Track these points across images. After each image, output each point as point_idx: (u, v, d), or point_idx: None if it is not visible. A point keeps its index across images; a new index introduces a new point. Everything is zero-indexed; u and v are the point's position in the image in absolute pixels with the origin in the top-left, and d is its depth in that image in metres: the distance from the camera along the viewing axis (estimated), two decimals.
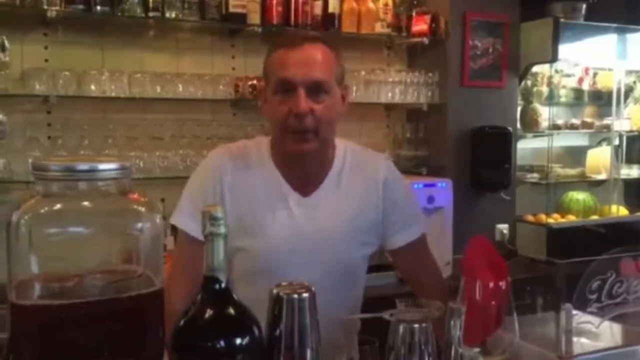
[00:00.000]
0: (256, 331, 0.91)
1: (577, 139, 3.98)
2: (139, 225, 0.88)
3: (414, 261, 1.61)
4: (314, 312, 0.96)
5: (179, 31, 2.93)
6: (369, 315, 1.12)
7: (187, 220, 1.43)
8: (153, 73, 2.75)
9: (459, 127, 3.30)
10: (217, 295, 0.89)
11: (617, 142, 3.88)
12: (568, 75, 3.93)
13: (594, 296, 1.05)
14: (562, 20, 3.27)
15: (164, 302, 0.94)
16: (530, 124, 3.54)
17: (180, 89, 2.76)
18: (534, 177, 3.56)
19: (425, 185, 3.02)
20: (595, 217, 3.65)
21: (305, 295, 0.96)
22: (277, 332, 0.94)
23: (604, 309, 1.06)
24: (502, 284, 0.92)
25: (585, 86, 3.93)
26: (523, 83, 3.51)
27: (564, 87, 3.93)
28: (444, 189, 3.06)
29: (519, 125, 3.51)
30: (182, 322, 0.88)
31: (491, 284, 0.92)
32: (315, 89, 1.36)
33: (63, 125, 2.69)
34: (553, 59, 3.27)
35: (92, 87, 2.58)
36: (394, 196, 1.53)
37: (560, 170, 3.71)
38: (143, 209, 0.90)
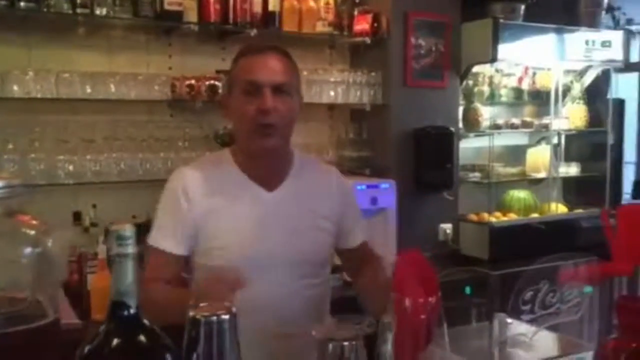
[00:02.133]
0: (169, 357, 0.84)
1: (517, 138, 4.03)
2: (28, 250, 0.79)
3: (363, 260, 1.74)
4: (234, 334, 0.90)
5: (111, 29, 2.81)
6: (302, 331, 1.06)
7: (163, 240, 1.57)
8: (83, 72, 2.61)
9: (402, 128, 3.28)
10: (126, 321, 0.82)
11: (555, 141, 3.95)
12: (508, 75, 3.97)
13: (527, 307, 1.02)
14: (501, 20, 3.29)
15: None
16: (472, 123, 3.56)
17: (113, 89, 2.64)
18: (475, 176, 3.58)
19: (369, 187, 3.00)
20: (535, 215, 3.70)
21: (225, 317, 0.89)
22: (194, 356, 0.87)
23: (538, 319, 1.04)
24: (433, 299, 0.88)
25: (525, 86, 3.97)
26: (464, 83, 3.52)
27: (504, 87, 3.97)
28: (387, 190, 3.04)
29: (461, 125, 3.52)
30: (85, 351, 0.81)
31: (421, 300, 0.87)
32: (279, 90, 1.53)
33: None
34: (493, 59, 3.29)
35: (15, 87, 2.43)
36: (347, 198, 1.75)
37: (501, 169, 3.74)
38: (32, 232, 0.81)
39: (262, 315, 1.47)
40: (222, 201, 1.58)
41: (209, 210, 1.56)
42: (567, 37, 3.63)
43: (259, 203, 1.59)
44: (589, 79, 3.98)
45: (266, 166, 1.62)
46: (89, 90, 2.60)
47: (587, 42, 3.64)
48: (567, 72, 3.96)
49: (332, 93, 3.17)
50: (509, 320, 1.13)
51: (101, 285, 2.39)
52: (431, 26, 3.30)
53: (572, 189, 4.10)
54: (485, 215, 3.53)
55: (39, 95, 2.51)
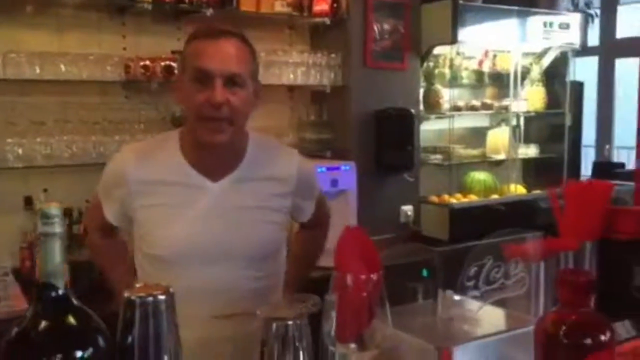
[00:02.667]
0: (101, 341, 0.81)
1: (478, 120, 4.06)
2: None
3: (315, 221, 1.74)
4: (172, 315, 0.87)
5: (61, 7, 2.71)
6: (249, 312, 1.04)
7: (107, 211, 1.57)
8: (31, 52, 2.52)
9: (363, 109, 3.26)
10: (54, 303, 0.78)
11: (515, 122, 3.99)
12: (469, 58, 3.99)
13: (471, 283, 1.01)
14: (461, 2, 3.29)
15: None
16: (433, 105, 3.57)
17: (63, 69, 2.55)
18: (437, 158, 3.59)
19: (329, 169, 2.98)
20: (495, 196, 3.74)
21: (162, 297, 0.86)
22: (129, 339, 0.84)
23: (483, 295, 1.03)
24: (374, 275, 0.86)
25: (486, 68, 3.99)
26: (425, 65, 3.52)
27: (465, 69, 3.98)
28: (347, 172, 3.02)
29: (422, 107, 3.53)
30: (12, 335, 0.77)
31: (363, 276, 0.86)
32: (231, 81, 1.41)
33: None
34: (453, 40, 3.29)
35: None
36: (303, 185, 1.62)
37: (462, 151, 3.77)
38: None
39: (200, 308, 1.42)
40: (162, 191, 1.49)
41: (148, 200, 1.49)
42: (526, 19, 3.65)
43: (200, 194, 1.49)
44: (547, 61, 4.02)
45: (213, 158, 1.50)
46: (37, 71, 2.50)
47: (545, 24, 3.67)
48: (527, 54, 3.99)
49: (291, 75, 3.12)
50: (457, 297, 1.13)
51: None
52: (391, 7, 3.28)
53: (531, 171, 4.15)
54: (446, 197, 3.55)
55: None
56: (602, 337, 0.85)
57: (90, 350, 0.79)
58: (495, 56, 4.03)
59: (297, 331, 0.99)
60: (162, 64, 2.77)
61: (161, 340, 0.86)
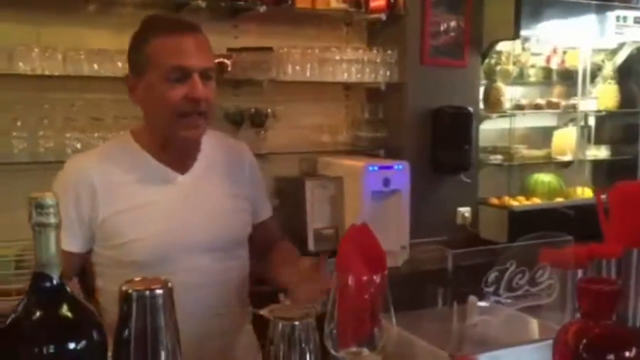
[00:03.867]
0: (95, 333, 0.80)
1: (545, 120, 3.88)
2: None
3: (269, 236, 1.70)
4: (170, 309, 0.86)
5: (121, 6, 2.79)
6: (252, 311, 1.02)
7: (66, 241, 1.39)
8: (89, 50, 2.60)
9: (419, 108, 3.18)
10: (49, 293, 0.79)
11: (584, 122, 3.79)
12: (536, 54, 3.82)
13: (491, 289, 0.95)
14: None
15: None
16: (493, 104, 3.44)
17: (120, 66, 2.62)
18: (497, 158, 3.46)
19: (381, 168, 2.92)
20: (561, 199, 3.57)
21: (159, 291, 0.85)
22: (126, 332, 0.83)
23: (503, 302, 0.96)
24: (377, 277, 0.82)
25: (554, 65, 3.82)
26: (486, 61, 3.39)
27: (532, 66, 3.82)
28: (400, 172, 2.95)
29: (481, 106, 3.40)
30: (6, 324, 0.78)
31: (365, 278, 0.82)
32: (206, 75, 1.40)
33: None
34: (515, 36, 3.16)
35: (21, 64, 2.43)
36: (256, 177, 1.67)
37: (525, 152, 3.62)
38: None
39: (188, 303, 1.40)
40: (131, 191, 1.44)
41: (117, 203, 1.42)
42: (597, 13, 3.46)
43: (172, 188, 1.47)
44: (621, 57, 3.79)
45: (182, 152, 1.49)
46: (96, 68, 2.58)
47: (618, 19, 3.46)
48: (599, 50, 3.78)
49: (345, 73, 3.08)
50: (482, 303, 1.06)
51: None
52: (451, 1, 3.18)
53: (602, 173, 3.94)
54: (507, 199, 3.42)
55: (46, 72, 2.51)
56: (627, 354, 0.77)
57: (83, 343, 0.79)
58: (564, 53, 3.85)
59: (303, 332, 0.96)
60: (215, 61, 2.79)
61: (159, 334, 0.85)
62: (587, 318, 0.80)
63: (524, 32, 3.17)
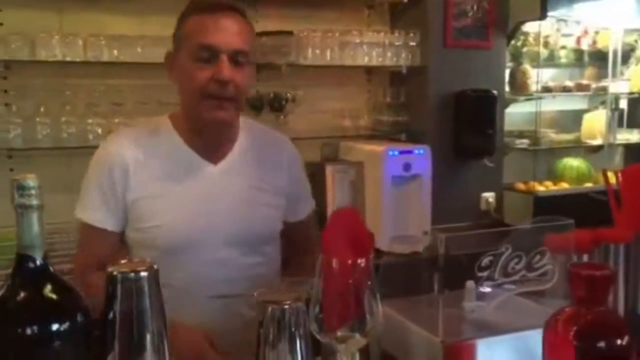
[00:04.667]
0: (79, 315, 0.81)
1: (576, 103, 3.78)
2: None
3: (304, 236, 1.62)
4: (156, 291, 0.85)
5: None
6: (241, 294, 1.02)
7: (87, 211, 1.44)
8: (110, 36, 2.63)
9: (441, 91, 3.13)
10: (33, 275, 0.79)
11: (615, 105, 3.67)
12: (567, 35, 3.72)
13: (484, 273, 0.92)
14: None
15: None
16: (520, 86, 3.36)
17: (140, 51, 2.64)
18: (523, 143, 3.39)
19: (402, 152, 2.88)
20: (590, 184, 3.47)
21: (144, 273, 0.84)
22: (111, 314, 0.84)
23: (499, 287, 0.94)
24: (362, 261, 0.80)
25: (585, 46, 3.71)
26: (512, 43, 3.31)
27: (563, 47, 3.72)
28: (421, 156, 2.91)
29: (507, 89, 3.33)
30: None
31: (349, 261, 0.80)
32: (237, 58, 1.36)
33: (19, 92, 2.60)
34: (542, 16, 3.06)
35: (43, 51, 2.47)
36: (296, 173, 1.60)
37: (553, 136, 3.53)
38: None
39: (205, 292, 1.40)
40: (162, 176, 1.42)
41: (147, 187, 1.42)
42: None
43: (202, 177, 1.45)
44: None
45: (213, 138, 1.46)
46: (116, 54, 2.60)
47: None
48: (631, 31, 3.65)
49: (366, 57, 3.04)
50: (484, 288, 1.03)
51: None
52: None
53: (634, 157, 3.82)
54: (534, 184, 3.35)
55: (67, 59, 2.54)
56: (619, 341, 0.74)
57: (66, 324, 0.79)
58: (596, 33, 3.73)
59: (293, 315, 0.95)
60: None
61: (144, 317, 0.85)
62: (580, 304, 0.77)
63: (551, 13, 3.07)
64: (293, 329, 0.95)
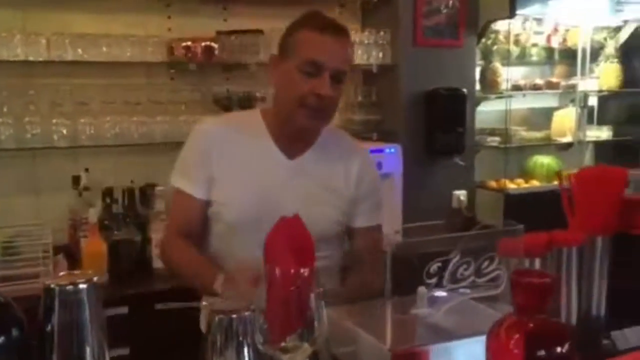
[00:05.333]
0: (14, 330, 0.79)
1: (546, 100, 3.81)
2: None
3: (367, 246, 1.67)
4: (96, 304, 0.84)
5: None
6: (185, 305, 1.00)
7: (180, 179, 1.64)
8: (74, 34, 2.58)
9: (412, 90, 3.13)
10: None
11: (586, 102, 3.70)
12: (538, 33, 3.74)
13: (433, 280, 0.91)
14: None
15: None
16: (490, 85, 3.37)
17: (105, 50, 2.60)
18: (494, 140, 3.40)
19: (372, 151, 2.86)
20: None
21: (83, 286, 0.83)
22: (49, 327, 0.82)
23: (452, 292, 0.93)
24: (305, 270, 0.79)
25: (555, 44, 3.73)
26: (482, 41, 3.32)
27: (534, 45, 3.74)
28: (392, 155, 2.91)
29: (478, 87, 3.34)
30: None
31: (292, 271, 0.79)
32: (337, 77, 1.51)
33: None
34: (511, 14, 3.08)
35: (5, 50, 2.42)
36: (366, 180, 1.69)
37: (524, 133, 3.55)
38: None
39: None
40: (242, 160, 1.60)
41: (228, 166, 1.59)
42: None
43: (276, 168, 1.60)
44: (623, 36, 3.69)
45: (296, 137, 1.61)
46: (80, 52, 2.56)
47: None
48: (601, 29, 3.69)
49: None
50: (439, 293, 1.03)
51: (92, 250, 2.39)
52: None
53: (604, 155, 3.86)
54: (505, 182, 3.36)
55: (30, 58, 2.49)
56: (558, 349, 0.74)
57: (1, 338, 0.77)
58: (567, 31, 3.75)
59: (241, 325, 0.94)
60: (203, 44, 2.77)
61: (83, 329, 0.83)
62: (521, 312, 0.76)
63: (520, 11, 3.08)
64: (241, 338, 0.94)
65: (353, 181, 1.67)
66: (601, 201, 1.12)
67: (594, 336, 1.09)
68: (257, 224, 1.49)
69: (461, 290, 1.00)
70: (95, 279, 0.84)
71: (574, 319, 1.13)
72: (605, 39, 3.73)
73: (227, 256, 1.59)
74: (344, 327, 0.95)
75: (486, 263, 0.94)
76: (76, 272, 0.85)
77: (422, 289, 0.99)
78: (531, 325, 0.76)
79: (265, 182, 1.59)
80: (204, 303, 0.96)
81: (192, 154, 1.64)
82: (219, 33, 2.89)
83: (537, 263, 1.07)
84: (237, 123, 1.70)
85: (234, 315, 0.93)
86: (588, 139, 3.68)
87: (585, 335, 1.09)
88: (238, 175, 1.59)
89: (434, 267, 0.91)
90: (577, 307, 1.13)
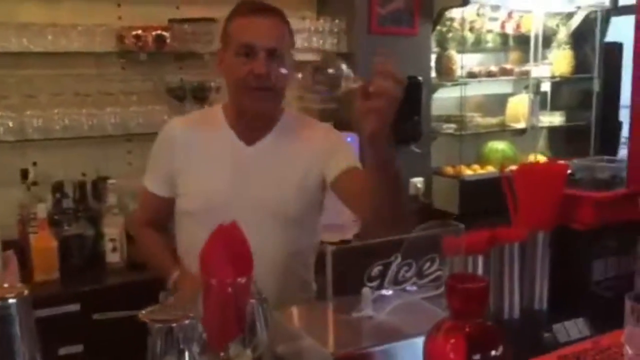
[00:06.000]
0: None
1: (501, 87, 3.85)
2: None
3: (356, 186, 1.56)
4: (27, 317, 0.81)
5: None
6: (124, 314, 0.98)
7: (146, 177, 1.74)
8: (20, 24, 2.49)
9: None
10: None
11: (541, 88, 3.76)
12: (493, 19, 3.76)
13: (374, 283, 0.91)
14: None
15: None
16: (446, 72, 3.39)
17: (51, 40, 2.52)
18: (450, 127, 3.43)
19: None
20: (514, 167, 3.55)
21: (12, 300, 0.80)
22: None
23: (388, 298, 0.93)
24: (243, 279, 0.78)
25: (510, 30, 3.76)
26: (437, 29, 3.33)
27: (489, 31, 3.76)
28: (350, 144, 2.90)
29: (433, 74, 3.35)
30: None
31: (229, 280, 0.78)
32: (273, 55, 1.55)
33: None
34: (464, 2, 3.09)
35: None
36: (330, 142, 1.68)
37: (480, 120, 3.59)
38: None
39: None
40: (203, 152, 1.65)
41: (189, 159, 1.64)
42: None
43: (236, 155, 1.64)
44: (575, 22, 3.75)
45: (251, 122, 1.65)
46: (25, 43, 2.48)
47: None
48: (554, 15, 3.74)
49: None
50: (386, 292, 1.03)
51: (42, 245, 2.34)
52: None
53: (557, 140, 3.94)
54: (462, 168, 3.40)
55: None
56: (493, 352, 0.75)
57: None
58: (521, 17, 3.79)
59: (181, 333, 0.93)
60: (154, 33, 2.70)
61: (13, 344, 0.81)
62: (457, 317, 0.77)
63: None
64: (182, 346, 0.93)
65: (319, 148, 1.64)
66: (542, 196, 1.14)
67: (537, 330, 1.12)
68: (219, 213, 1.51)
69: (407, 287, 1.00)
70: (25, 292, 0.81)
71: (516, 314, 1.15)
72: (557, 25, 3.78)
73: (193, 249, 1.57)
74: (288, 331, 0.95)
75: (427, 264, 0.94)
76: (6, 285, 0.82)
77: (366, 290, 0.99)
78: (467, 329, 0.76)
79: (225, 170, 1.63)
80: (141, 312, 0.93)
81: (156, 152, 1.73)
82: (171, 21, 2.83)
83: (480, 261, 1.08)
84: (199, 118, 1.80)
85: (174, 325, 0.92)
86: (541, 124, 3.74)
87: (528, 330, 1.11)
88: (199, 167, 1.64)
89: (375, 270, 0.91)
90: (520, 302, 1.15)
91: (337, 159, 1.62)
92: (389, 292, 1.02)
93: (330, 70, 1.20)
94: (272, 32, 1.57)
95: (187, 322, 0.91)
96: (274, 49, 1.55)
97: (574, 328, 1.12)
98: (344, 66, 1.19)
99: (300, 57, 2.73)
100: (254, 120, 1.65)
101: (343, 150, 1.69)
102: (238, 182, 1.61)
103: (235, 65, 1.56)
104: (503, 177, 1.18)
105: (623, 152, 3.49)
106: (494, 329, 0.76)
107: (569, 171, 1.34)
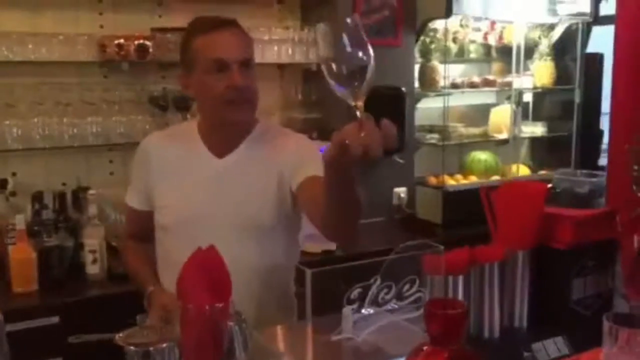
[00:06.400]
0: None
1: (484, 98, 3.87)
2: None
3: (315, 194, 1.50)
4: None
5: None
6: (101, 337, 0.97)
7: (128, 192, 1.79)
8: (0, 33, 2.46)
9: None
10: None
11: (523, 99, 3.79)
12: (476, 30, 3.78)
13: (354, 306, 0.91)
14: None
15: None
16: (429, 83, 3.40)
17: (32, 49, 2.49)
18: (433, 137, 3.44)
19: None
20: (497, 177, 3.58)
21: None
22: None
23: (369, 318, 0.93)
24: (221, 305, 0.77)
25: (492, 41, 3.79)
26: (421, 40, 3.34)
27: (472, 42, 3.79)
28: None
29: (417, 85, 3.37)
30: None
31: (207, 307, 0.77)
32: (246, 66, 1.56)
33: None
34: (447, 14, 3.11)
35: None
36: (300, 152, 1.66)
37: (463, 130, 3.60)
38: None
39: None
40: (176, 166, 1.66)
41: (163, 174, 1.67)
42: None
43: (206, 168, 1.65)
44: (556, 34, 3.79)
45: (223, 134, 1.66)
46: (5, 52, 2.45)
47: None
48: (535, 26, 3.77)
49: (275, 54, 2.99)
50: (367, 311, 1.03)
51: (20, 257, 2.31)
52: None
53: (540, 150, 3.97)
54: (445, 178, 3.41)
55: None
56: None
57: None
58: (504, 28, 3.81)
59: (158, 356, 0.92)
60: (136, 42, 2.69)
61: None
62: (436, 342, 0.77)
63: (456, 10, 3.12)
64: None
65: (290, 158, 1.62)
66: (522, 216, 1.15)
67: (516, 349, 1.12)
68: (193, 227, 1.59)
69: (389, 307, 1.00)
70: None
71: (496, 333, 1.15)
72: (539, 37, 3.81)
73: (169, 263, 1.61)
74: (268, 351, 0.94)
75: (407, 286, 0.94)
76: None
77: (346, 310, 0.98)
78: (446, 355, 0.76)
79: (197, 184, 1.64)
80: (119, 335, 0.93)
81: (134, 167, 1.77)
82: (153, 30, 2.82)
83: (460, 280, 1.08)
84: (174, 133, 1.81)
85: (151, 348, 0.91)
86: (523, 135, 3.77)
87: (508, 349, 1.11)
88: (172, 181, 1.66)
89: (354, 293, 0.91)
90: (500, 321, 1.16)
91: (305, 168, 1.59)
92: (370, 312, 1.02)
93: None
94: (240, 43, 1.58)
95: (164, 345, 0.90)
96: (247, 60, 1.57)
97: (553, 347, 1.12)
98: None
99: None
100: (229, 132, 1.65)
101: (313, 160, 1.59)
102: (210, 196, 1.62)
103: (209, 83, 1.55)
104: (482, 196, 1.18)
105: (604, 160, 3.54)
106: (473, 354, 0.76)
107: (549, 185, 1.35)
